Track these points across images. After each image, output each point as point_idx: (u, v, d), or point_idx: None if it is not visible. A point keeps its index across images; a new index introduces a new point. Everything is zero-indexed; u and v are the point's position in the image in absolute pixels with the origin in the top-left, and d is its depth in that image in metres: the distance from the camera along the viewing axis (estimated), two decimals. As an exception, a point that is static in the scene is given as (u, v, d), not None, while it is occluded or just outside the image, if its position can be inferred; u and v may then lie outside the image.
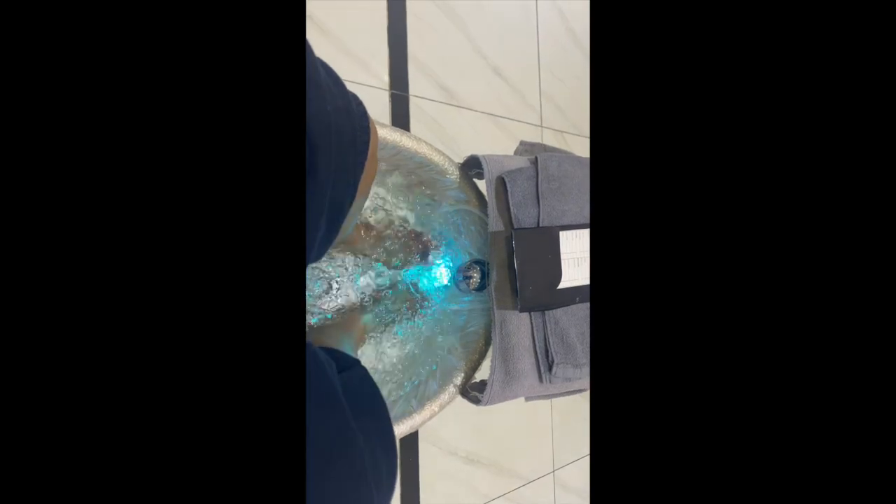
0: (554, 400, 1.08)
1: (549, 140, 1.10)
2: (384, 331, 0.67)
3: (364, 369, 0.34)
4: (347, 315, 0.64)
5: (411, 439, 0.89)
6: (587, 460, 1.15)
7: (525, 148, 0.62)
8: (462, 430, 0.95)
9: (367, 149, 0.30)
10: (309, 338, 0.43)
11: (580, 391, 0.60)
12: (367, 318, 0.65)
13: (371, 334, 0.66)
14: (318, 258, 0.29)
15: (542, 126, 1.09)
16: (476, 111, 0.97)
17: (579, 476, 1.13)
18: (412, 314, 0.68)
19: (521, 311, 0.52)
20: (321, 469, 0.24)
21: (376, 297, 0.67)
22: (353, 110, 0.29)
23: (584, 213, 0.57)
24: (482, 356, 0.59)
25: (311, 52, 0.25)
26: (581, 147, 1.16)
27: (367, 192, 0.37)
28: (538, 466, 1.07)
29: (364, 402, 0.32)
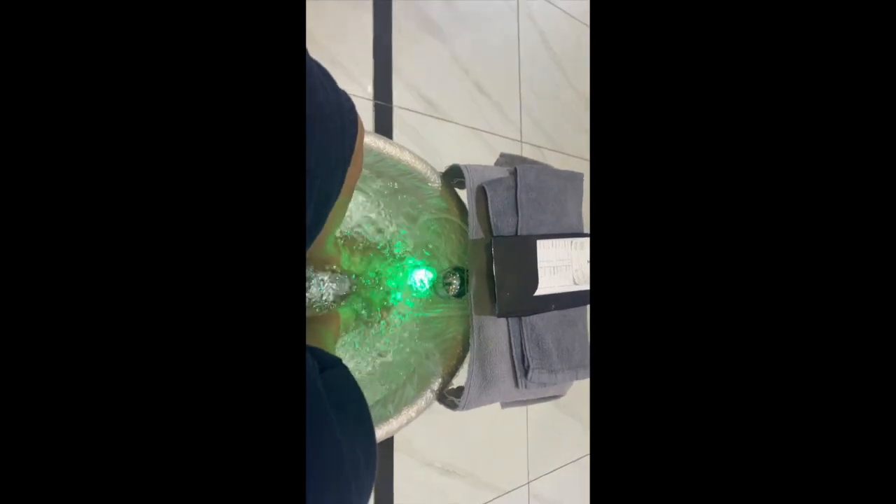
0: (529, 411, 1.09)
1: (528, 154, 1.13)
2: (362, 336, 0.67)
3: (346, 368, 0.34)
4: (326, 310, 0.64)
5: (387, 450, 0.88)
6: (561, 472, 1.15)
7: (505, 160, 0.64)
8: (438, 441, 0.95)
9: (354, 143, 0.31)
10: None
11: (555, 397, 0.61)
12: (345, 311, 0.65)
13: (350, 335, 0.66)
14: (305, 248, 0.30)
15: (521, 141, 1.11)
16: (458, 124, 1.00)
17: (553, 488, 1.14)
18: (391, 320, 0.68)
19: (499, 316, 0.53)
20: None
21: (354, 298, 0.67)
22: (343, 104, 0.30)
23: (560, 224, 0.59)
24: (460, 362, 0.60)
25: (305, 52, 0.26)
26: (558, 162, 1.19)
27: (351, 192, 0.38)
28: (513, 478, 1.07)
29: (345, 400, 0.32)
